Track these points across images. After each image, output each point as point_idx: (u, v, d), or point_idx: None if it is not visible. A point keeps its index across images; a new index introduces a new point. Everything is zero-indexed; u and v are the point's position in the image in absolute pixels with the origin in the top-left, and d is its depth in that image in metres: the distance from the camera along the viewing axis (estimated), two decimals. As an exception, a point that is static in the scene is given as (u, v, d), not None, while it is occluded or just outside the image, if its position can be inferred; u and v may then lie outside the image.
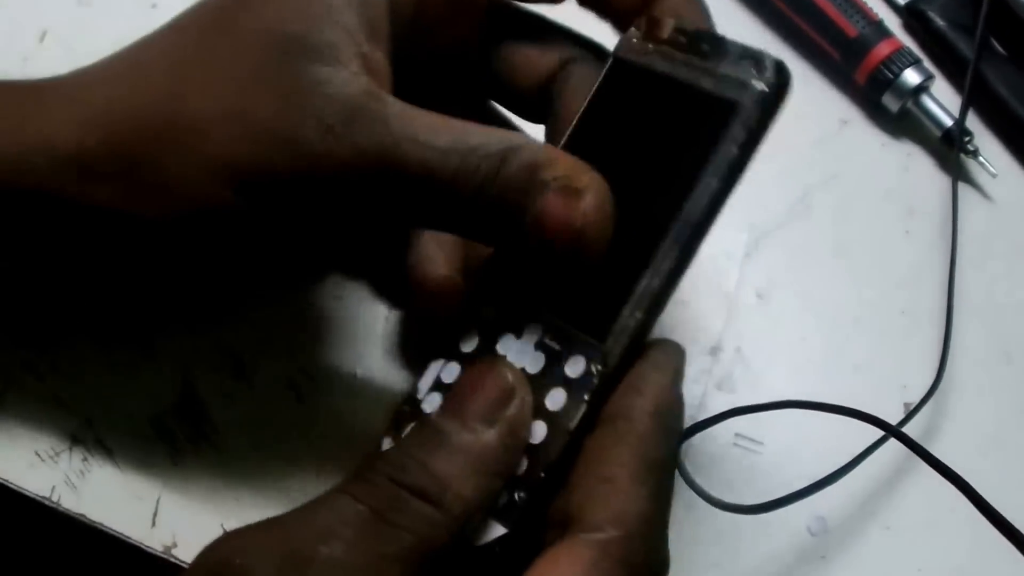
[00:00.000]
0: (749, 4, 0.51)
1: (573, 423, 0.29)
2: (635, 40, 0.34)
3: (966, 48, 0.48)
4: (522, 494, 0.29)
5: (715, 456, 0.40)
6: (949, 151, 0.47)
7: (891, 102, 0.47)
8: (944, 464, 0.29)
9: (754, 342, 0.43)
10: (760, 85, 0.30)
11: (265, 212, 0.31)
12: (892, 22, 0.50)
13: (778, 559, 0.39)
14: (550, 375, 0.30)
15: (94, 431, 0.39)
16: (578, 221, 0.29)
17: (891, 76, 0.47)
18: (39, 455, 0.38)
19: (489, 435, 0.28)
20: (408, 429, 0.31)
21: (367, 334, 0.40)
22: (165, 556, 0.37)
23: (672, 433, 0.30)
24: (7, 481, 0.38)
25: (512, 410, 0.29)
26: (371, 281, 0.39)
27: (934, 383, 0.41)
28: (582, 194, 0.30)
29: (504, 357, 0.31)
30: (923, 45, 0.50)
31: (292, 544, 0.26)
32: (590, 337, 0.30)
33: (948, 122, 0.47)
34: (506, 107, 0.38)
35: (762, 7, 0.50)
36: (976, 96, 0.48)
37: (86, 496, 0.38)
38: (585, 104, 0.34)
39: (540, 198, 0.30)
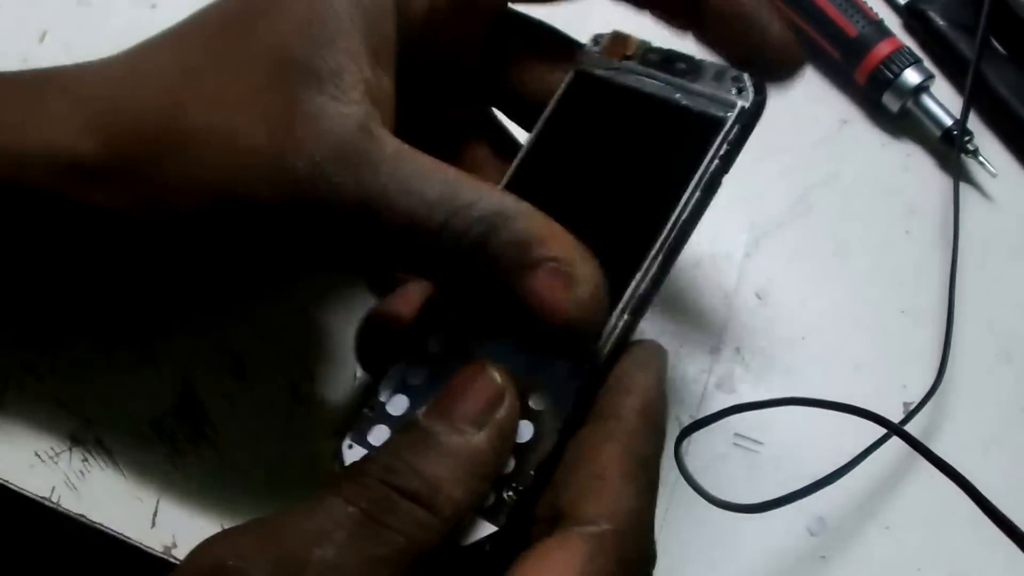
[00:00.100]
0: (749, 4, 0.51)
1: (561, 423, 0.30)
2: (597, 55, 0.35)
3: (966, 48, 0.48)
4: (511, 493, 0.29)
5: (715, 455, 0.40)
6: (949, 151, 0.47)
7: (891, 102, 0.47)
8: (946, 463, 0.29)
9: (754, 342, 0.43)
10: (742, 102, 0.31)
11: (243, 231, 0.31)
12: (892, 22, 0.49)
13: (778, 559, 0.39)
14: (533, 375, 0.30)
15: (94, 432, 0.39)
16: (571, 311, 0.29)
17: (891, 76, 0.47)
18: (39, 456, 0.38)
19: (479, 438, 0.28)
20: (373, 431, 0.31)
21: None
22: (165, 556, 0.37)
23: (659, 431, 0.30)
24: (7, 482, 0.38)
25: (502, 413, 0.29)
26: (369, 280, 0.39)
27: (935, 382, 0.41)
28: (576, 283, 0.29)
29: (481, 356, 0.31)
30: (923, 45, 0.50)
31: (285, 546, 0.26)
32: None
33: (948, 122, 0.47)
34: (507, 115, 0.38)
35: (762, 7, 0.50)
36: (976, 96, 0.48)
37: (86, 497, 0.38)
38: (546, 114, 0.34)
39: (531, 278, 0.29)
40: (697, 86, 0.32)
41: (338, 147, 0.29)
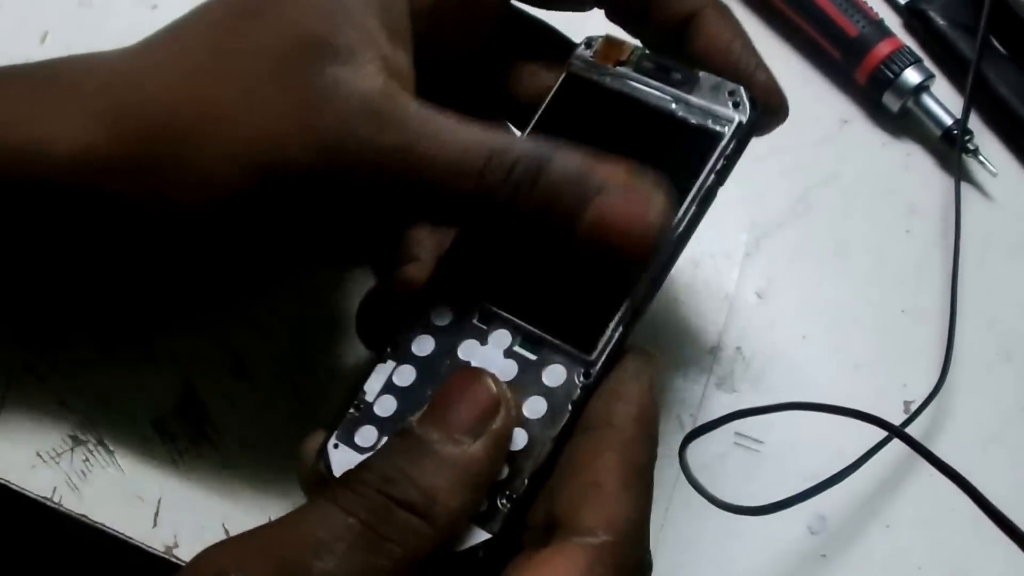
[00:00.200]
0: (749, 4, 0.51)
1: (556, 431, 0.30)
2: (590, 58, 0.34)
3: (966, 47, 0.48)
4: (504, 501, 0.29)
5: (715, 454, 0.40)
6: (949, 150, 0.47)
7: (892, 101, 0.47)
8: (948, 465, 0.29)
9: (754, 341, 0.43)
10: (740, 116, 0.32)
11: (285, 205, 0.31)
12: (893, 21, 0.50)
13: (779, 558, 0.39)
14: (526, 383, 0.30)
15: (95, 432, 0.39)
16: (654, 222, 0.29)
17: (891, 75, 0.47)
18: (40, 456, 0.39)
19: (476, 448, 0.28)
20: (360, 432, 0.31)
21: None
22: (166, 556, 0.37)
23: (653, 440, 0.30)
24: (9, 482, 0.38)
25: (498, 423, 0.29)
26: (375, 266, 0.38)
27: (938, 382, 0.41)
28: (652, 194, 0.30)
29: (469, 362, 0.31)
30: (923, 44, 0.50)
31: (286, 557, 0.26)
32: (570, 346, 0.31)
33: (948, 121, 0.47)
34: (507, 119, 0.38)
35: (762, 7, 0.50)
36: (976, 95, 0.48)
37: (87, 497, 0.38)
38: (538, 116, 0.34)
39: (600, 205, 0.29)
40: (693, 98, 0.32)
41: (365, 105, 0.30)
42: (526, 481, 0.29)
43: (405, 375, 0.32)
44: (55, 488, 0.38)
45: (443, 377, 0.31)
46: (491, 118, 0.38)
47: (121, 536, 0.38)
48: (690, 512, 0.39)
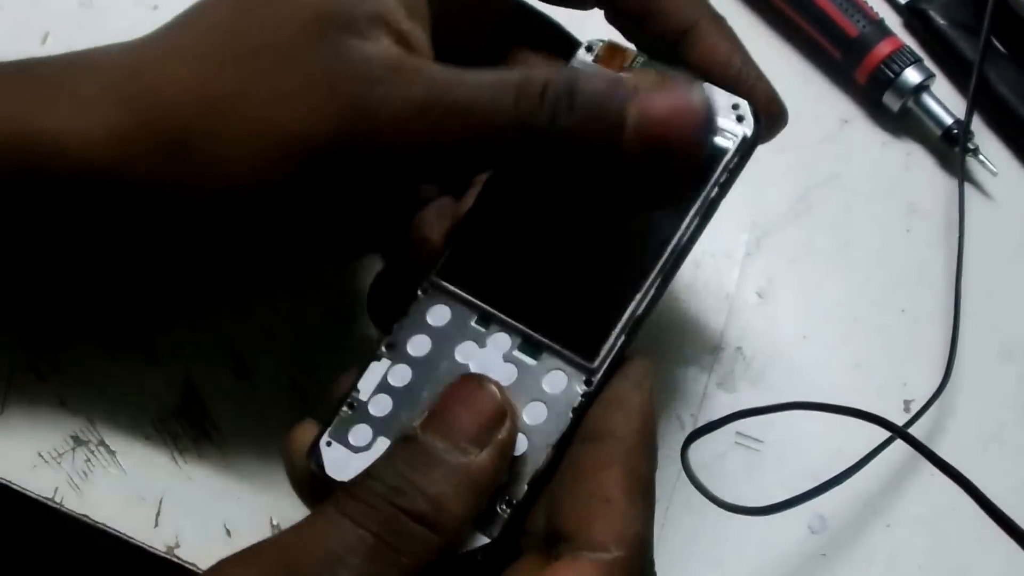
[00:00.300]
0: (749, 3, 0.51)
1: (556, 438, 0.30)
2: (590, 63, 0.34)
3: (967, 47, 0.48)
4: (504, 507, 0.29)
5: (716, 453, 0.40)
6: (950, 150, 0.47)
7: (892, 101, 0.47)
8: (950, 465, 0.29)
9: (755, 341, 0.43)
10: (744, 130, 0.32)
11: (321, 179, 0.31)
12: (893, 21, 0.50)
13: (779, 557, 0.39)
14: (525, 388, 0.30)
15: (97, 432, 0.39)
16: (701, 112, 0.30)
17: (892, 75, 0.47)
18: (42, 456, 0.39)
19: (483, 458, 0.28)
20: (354, 431, 0.31)
21: (368, 333, 0.40)
22: (168, 556, 0.38)
23: (654, 450, 0.30)
24: (10, 482, 0.38)
25: (504, 434, 0.29)
26: (383, 251, 0.38)
27: (942, 382, 0.41)
28: (686, 86, 0.30)
29: (467, 365, 0.31)
30: (924, 44, 0.50)
31: (299, 572, 0.27)
32: (572, 353, 0.31)
33: (949, 121, 0.47)
34: None
35: (762, 7, 0.50)
36: (976, 95, 0.48)
37: (89, 497, 0.38)
38: None
39: (640, 100, 0.30)
40: None
41: (388, 67, 0.30)
42: (526, 487, 0.29)
43: (401, 375, 0.31)
44: (56, 488, 0.38)
45: (441, 379, 0.31)
46: None
47: (123, 536, 0.38)
48: (691, 512, 0.39)
